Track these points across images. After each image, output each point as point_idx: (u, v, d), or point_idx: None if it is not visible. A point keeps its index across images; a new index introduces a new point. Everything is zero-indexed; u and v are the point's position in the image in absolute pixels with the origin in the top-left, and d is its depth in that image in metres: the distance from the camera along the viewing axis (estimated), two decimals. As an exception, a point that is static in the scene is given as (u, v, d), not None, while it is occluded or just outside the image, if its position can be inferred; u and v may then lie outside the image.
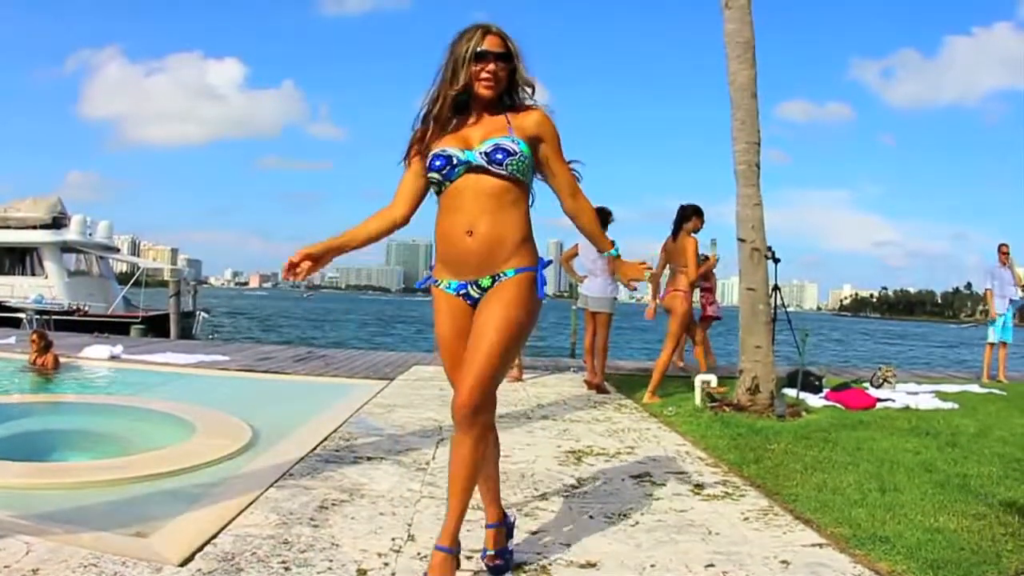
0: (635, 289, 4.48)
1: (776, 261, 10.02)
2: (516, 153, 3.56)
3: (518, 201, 3.64)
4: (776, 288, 10.16)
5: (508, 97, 3.73)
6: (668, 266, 10.46)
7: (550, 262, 3.80)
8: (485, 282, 3.62)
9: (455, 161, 3.57)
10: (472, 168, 3.57)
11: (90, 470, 5.69)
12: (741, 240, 9.27)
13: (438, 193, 3.67)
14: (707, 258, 11.39)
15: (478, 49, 3.56)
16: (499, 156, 3.54)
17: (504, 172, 3.55)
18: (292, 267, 3.56)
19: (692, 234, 10.21)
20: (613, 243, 4.08)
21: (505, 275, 3.60)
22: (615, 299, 10.84)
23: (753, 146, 9.22)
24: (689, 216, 10.25)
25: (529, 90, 3.74)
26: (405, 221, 3.80)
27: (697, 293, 14.86)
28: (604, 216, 10.79)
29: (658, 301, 10.57)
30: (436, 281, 3.75)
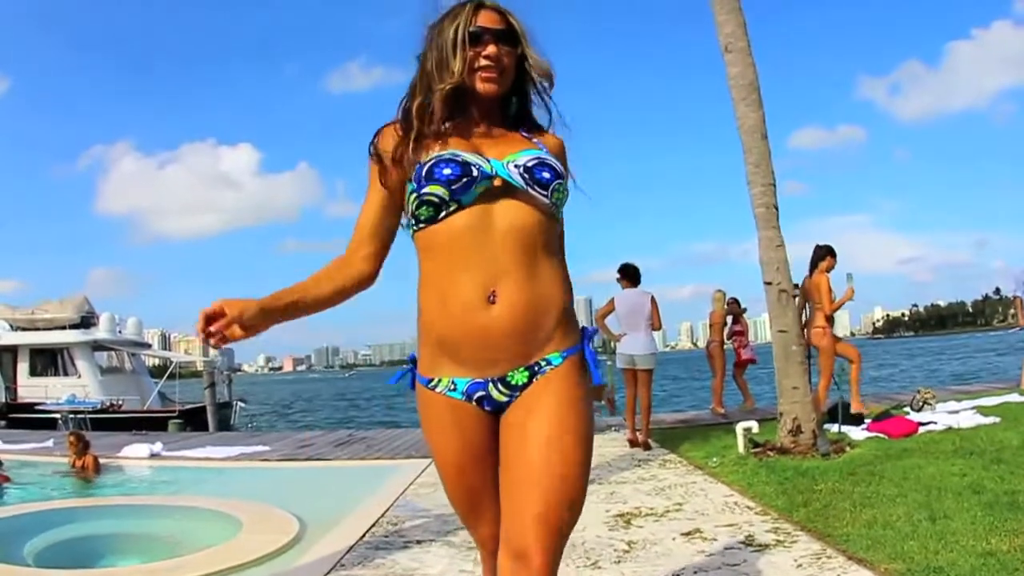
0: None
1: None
2: (563, 176, 2.47)
3: (558, 248, 2.53)
4: (808, 324, 10.22)
5: (517, 102, 2.63)
6: (807, 304, 10.92)
7: (596, 331, 2.63)
8: (519, 378, 2.41)
9: (475, 173, 2.37)
10: (493, 192, 2.39)
11: (138, 574, 5.71)
12: (767, 284, 9.26)
13: (424, 223, 2.43)
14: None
15: (471, 28, 2.45)
16: (545, 175, 2.42)
17: (548, 201, 2.42)
18: (208, 325, 2.30)
19: (826, 272, 10.74)
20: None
21: (549, 363, 2.42)
22: (655, 353, 10.80)
23: (769, 188, 9.25)
24: (823, 256, 10.73)
25: (546, 82, 2.59)
26: (372, 277, 2.61)
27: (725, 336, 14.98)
28: (635, 271, 10.85)
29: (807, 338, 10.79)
30: (427, 381, 2.50)
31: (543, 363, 2.41)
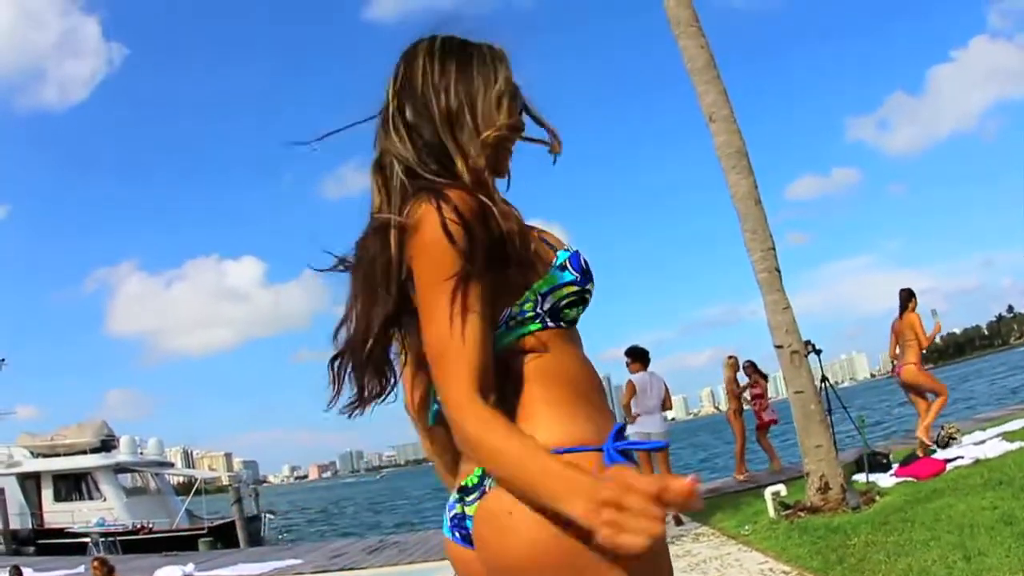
0: None
1: (818, 353, 10.13)
2: None
3: None
4: (824, 379, 10.27)
5: None
6: (898, 343, 11.24)
7: None
8: None
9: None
10: None
11: None
12: (779, 347, 9.32)
13: (562, 324, 1.80)
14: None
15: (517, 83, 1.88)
16: None
17: None
18: None
19: (914, 311, 11.17)
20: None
21: None
22: (668, 430, 10.91)
23: (769, 252, 9.32)
24: (909, 298, 11.14)
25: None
26: None
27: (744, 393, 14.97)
28: (644, 354, 11.03)
29: (898, 375, 11.20)
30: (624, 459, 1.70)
31: None
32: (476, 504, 1.69)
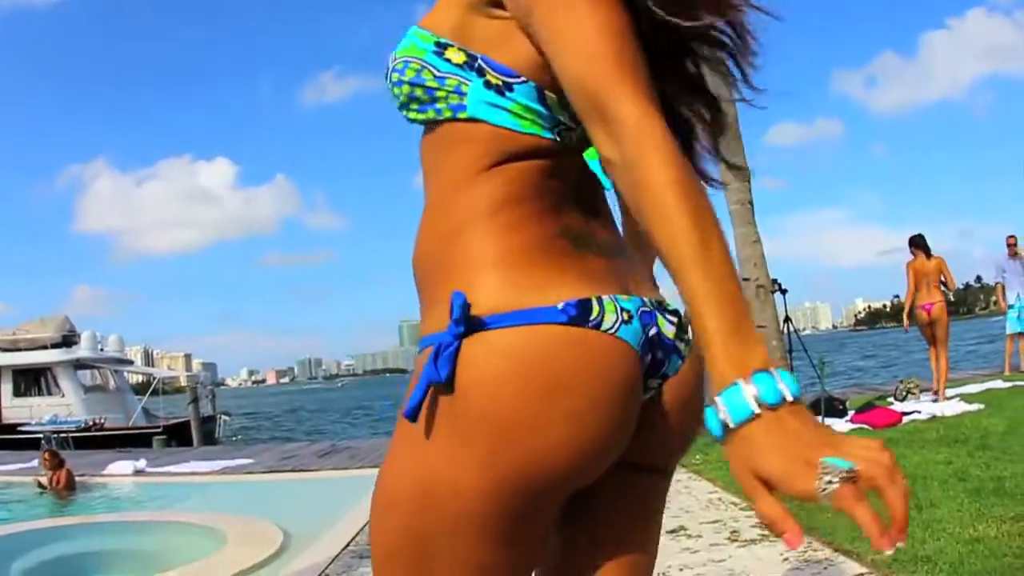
0: None
1: (784, 292, 10.06)
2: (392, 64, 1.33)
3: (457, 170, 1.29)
4: (787, 319, 10.21)
5: None
6: (917, 284, 11.45)
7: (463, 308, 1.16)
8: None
9: None
10: None
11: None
12: (744, 280, 9.25)
13: None
14: None
15: None
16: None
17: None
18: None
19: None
20: None
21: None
22: None
23: (743, 185, 9.23)
24: (925, 241, 11.41)
25: None
26: None
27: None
28: None
29: (927, 313, 11.45)
30: None
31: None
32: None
